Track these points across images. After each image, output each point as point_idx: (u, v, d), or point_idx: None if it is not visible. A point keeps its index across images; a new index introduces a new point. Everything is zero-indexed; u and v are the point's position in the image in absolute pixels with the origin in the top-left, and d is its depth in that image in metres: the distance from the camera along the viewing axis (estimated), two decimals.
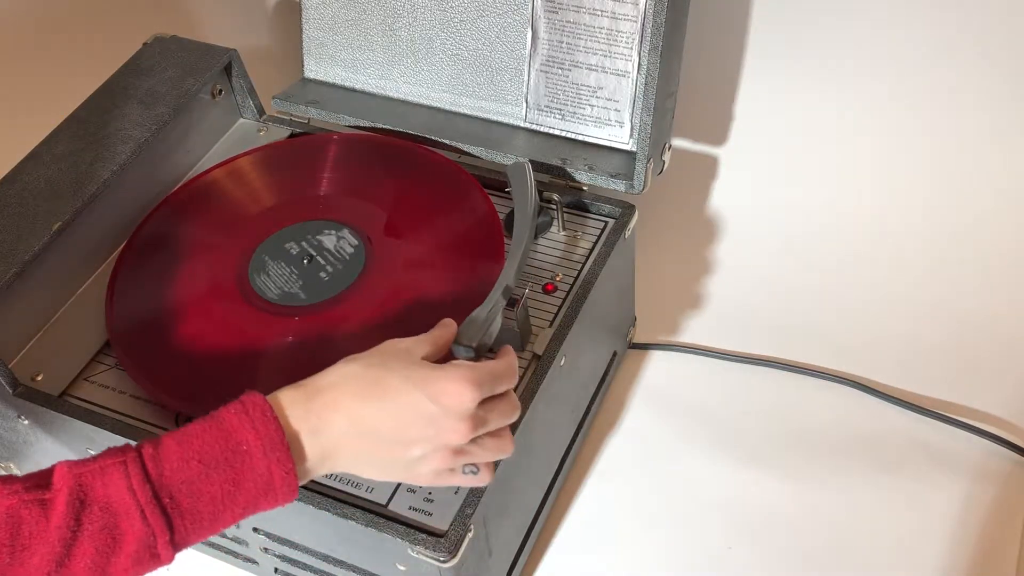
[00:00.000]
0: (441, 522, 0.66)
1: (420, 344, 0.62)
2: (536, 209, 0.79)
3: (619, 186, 0.85)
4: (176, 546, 0.55)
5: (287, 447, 0.55)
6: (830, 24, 0.97)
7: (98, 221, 0.81)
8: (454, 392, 0.57)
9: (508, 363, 0.62)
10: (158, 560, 0.55)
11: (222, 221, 0.83)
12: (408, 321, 0.72)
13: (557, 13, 0.86)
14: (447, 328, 0.64)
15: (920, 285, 0.98)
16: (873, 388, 0.90)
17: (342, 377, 0.59)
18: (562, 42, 0.87)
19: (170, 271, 0.80)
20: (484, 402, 0.59)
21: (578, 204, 0.84)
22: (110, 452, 0.55)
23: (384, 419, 0.57)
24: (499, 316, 0.67)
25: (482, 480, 0.62)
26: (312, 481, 0.65)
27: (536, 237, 0.82)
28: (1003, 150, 0.98)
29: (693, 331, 0.97)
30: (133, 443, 0.56)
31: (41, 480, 0.54)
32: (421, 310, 0.73)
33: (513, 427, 0.69)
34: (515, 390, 0.71)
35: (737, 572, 0.80)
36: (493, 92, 0.91)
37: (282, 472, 0.55)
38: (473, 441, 0.60)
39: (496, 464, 0.64)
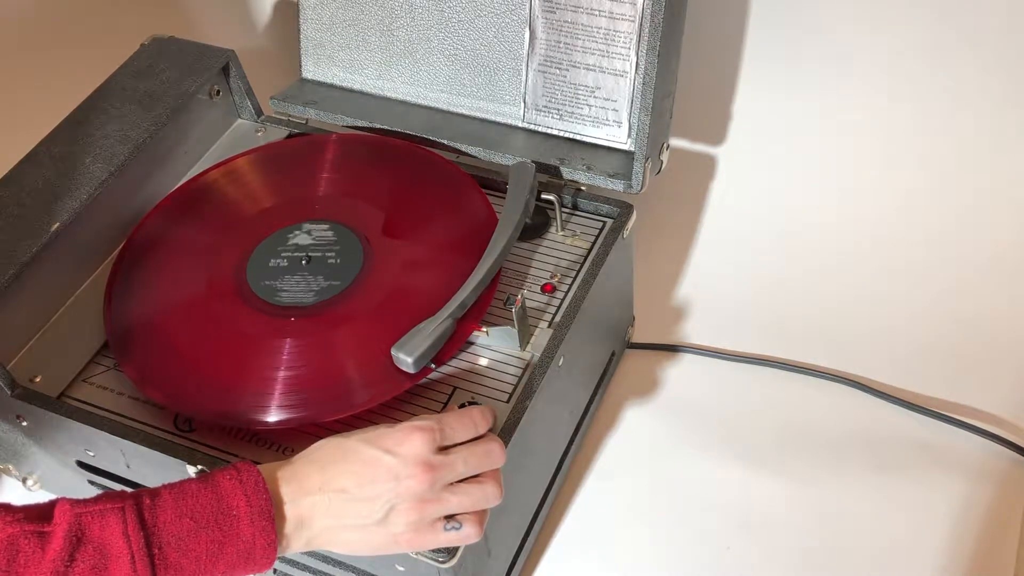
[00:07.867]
0: None
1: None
2: (527, 212, 0.79)
3: (617, 186, 0.85)
4: None
5: (273, 519, 0.58)
6: (828, 24, 0.97)
7: (96, 222, 0.81)
8: (404, 440, 0.61)
9: (465, 412, 0.65)
10: None
11: (220, 222, 0.83)
12: (406, 321, 0.72)
13: (555, 13, 0.86)
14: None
15: (919, 284, 0.98)
16: (872, 387, 0.90)
17: (315, 447, 0.63)
18: (560, 42, 0.87)
19: (168, 272, 0.80)
20: (449, 448, 0.62)
21: (576, 204, 0.84)
22: (110, 496, 0.57)
23: (348, 477, 0.60)
24: (444, 336, 0.71)
25: (467, 536, 0.63)
26: None
27: (532, 238, 0.82)
28: (1002, 150, 0.98)
29: (691, 331, 0.97)
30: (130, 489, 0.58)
31: (41, 513, 0.56)
32: (419, 310, 0.73)
33: (511, 428, 0.69)
34: (513, 392, 0.72)
35: (736, 572, 0.80)
36: (491, 92, 0.91)
37: (264, 542, 0.58)
38: (448, 490, 0.61)
39: (484, 516, 0.64)
